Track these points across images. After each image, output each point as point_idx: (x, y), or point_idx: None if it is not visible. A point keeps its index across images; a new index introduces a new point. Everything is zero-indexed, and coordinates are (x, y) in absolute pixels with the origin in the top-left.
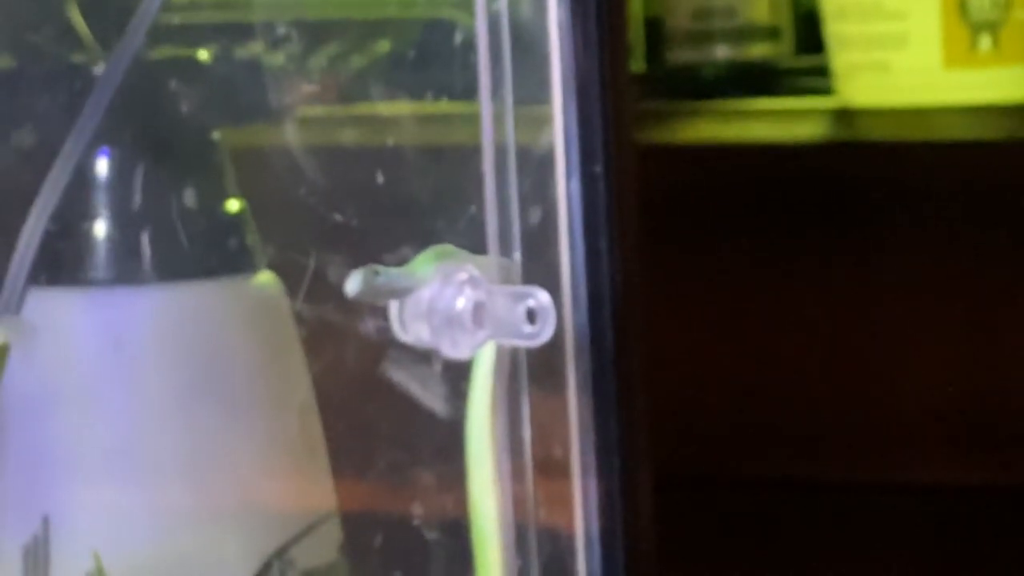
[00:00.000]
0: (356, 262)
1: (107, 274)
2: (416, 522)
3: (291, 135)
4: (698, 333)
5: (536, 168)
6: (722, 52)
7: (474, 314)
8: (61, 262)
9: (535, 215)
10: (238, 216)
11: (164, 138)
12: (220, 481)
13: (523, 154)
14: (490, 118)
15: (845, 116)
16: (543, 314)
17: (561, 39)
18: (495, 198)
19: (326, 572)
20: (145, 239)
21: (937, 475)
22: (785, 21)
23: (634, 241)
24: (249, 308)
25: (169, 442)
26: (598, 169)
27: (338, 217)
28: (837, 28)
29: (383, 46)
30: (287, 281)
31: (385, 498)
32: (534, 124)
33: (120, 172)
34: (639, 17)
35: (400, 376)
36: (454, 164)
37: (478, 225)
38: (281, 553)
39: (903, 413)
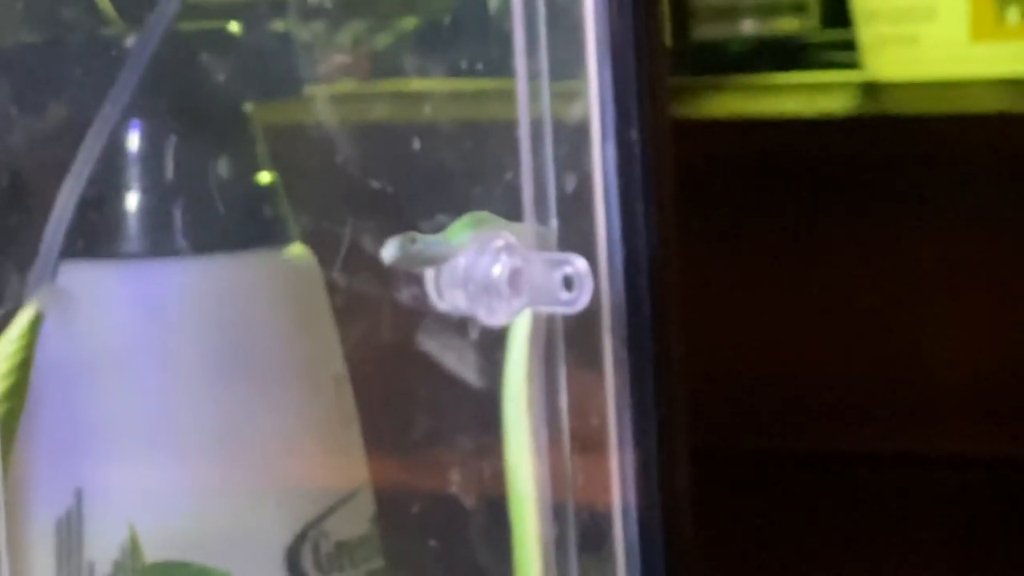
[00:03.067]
0: (392, 231)
1: (140, 246)
2: (452, 492)
3: (324, 108)
4: (728, 307)
5: (572, 135)
6: (748, 26)
7: (510, 281)
8: (95, 234)
9: (571, 182)
10: (270, 188)
11: (196, 110)
12: (253, 454)
13: (558, 121)
14: (525, 86)
15: (872, 90)
16: (580, 281)
17: (596, 7)
18: (531, 165)
19: (360, 543)
20: (178, 211)
21: (972, 447)
22: None
23: (671, 208)
24: (282, 280)
25: (203, 415)
26: (634, 135)
27: (374, 185)
28: (864, 1)
29: (415, 20)
30: (322, 253)
31: (420, 469)
32: (569, 91)
33: (152, 144)
34: None
35: (435, 346)
36: (489, 132)
37: (514, 192)
38: (315, 524)
39: (937, 386)
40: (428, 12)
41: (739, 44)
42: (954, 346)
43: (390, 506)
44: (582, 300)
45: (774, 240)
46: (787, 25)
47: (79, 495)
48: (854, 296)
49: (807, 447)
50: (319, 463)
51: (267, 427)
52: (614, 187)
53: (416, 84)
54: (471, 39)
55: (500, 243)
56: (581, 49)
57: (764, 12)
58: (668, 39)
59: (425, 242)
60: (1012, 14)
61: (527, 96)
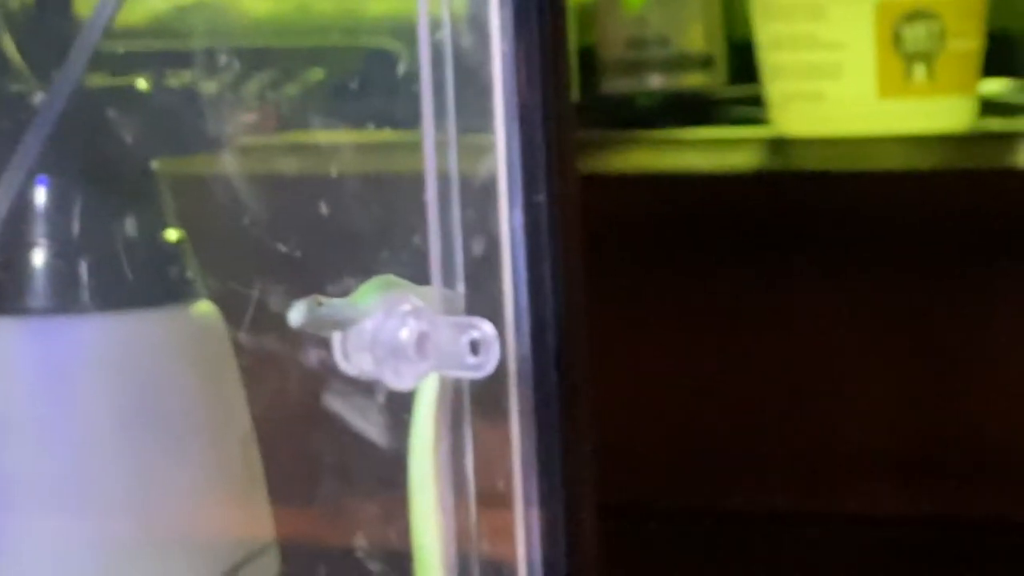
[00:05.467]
0: (298, 292)
1: (46, 303)
2: (358, 553)
3: (232, 164)
4: (636, 365)
5: (479, 199)
6: (656, 81)
7: (418, 345)
8: (0, 291)
9: (478, 246)
10: (177, 245)
11: (104, 167)
12: (161, 510)
13: (466, 185)
14: (433, 148)
15: (780, 145)
16: (487, 345)
17: (504, 69)
18: (438, 228)
19: None
20: (84, 268)
21: (878, 506)
22: (719, 50)
23: (578, 271)
24: (189, 338)
25: (109, 472)
26: (541, 199)
27: (280, 247)
28: (771, 58)
29: (325, 75)
30: (228, 311)
31: (327, 528)
32: (477, 154)
33: (59, 201)
34: (573, 47)
35: (342, 407)
36: (397, 194)
37: (421, 256)
38: None
39: (845, 444)
40: (337, 68)
41: (647, 99)
42: (860, 405)
43: (297, 564)
44: (489, 365)
45: (681, 296)
46: (694, 80)
47: None
48: (761, 353)
49: (715, 505)
50: (226, 521)
51: (174, 485)
52: (521, 251)
53: (324, 138)
54: (380, 96)
55: (407, 307)
56: (489, 111)
57: (672, 67)
58: (577, 93)
59: (332, 306)
60: (919, 72)
61: (434, 160)
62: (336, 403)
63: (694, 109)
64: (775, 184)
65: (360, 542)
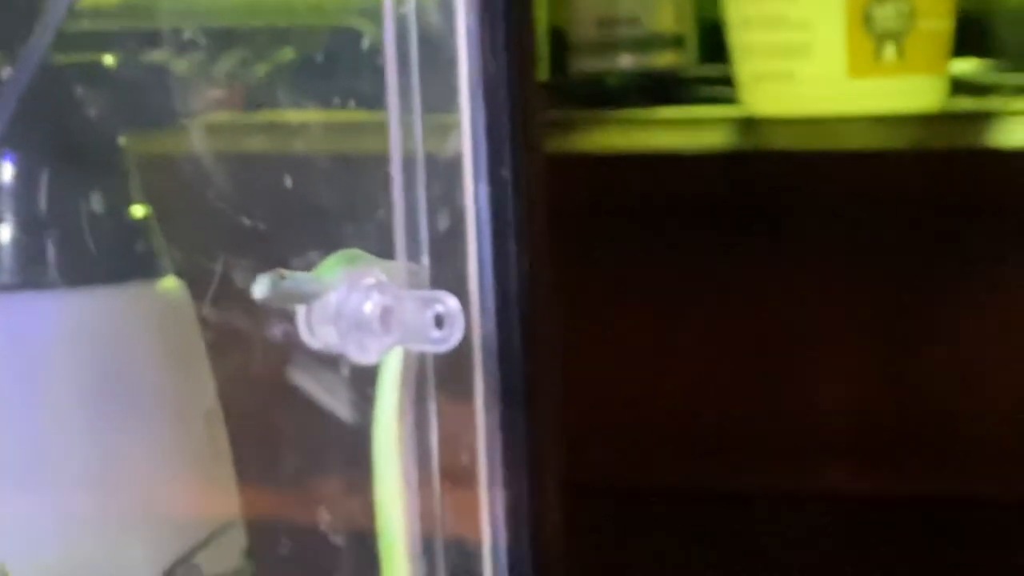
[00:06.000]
0: (263, 267)
1: (12, 279)
2: (322, 528)
3: (198, 141)
4: (605, 344)
5: (444, 173)
6: (626, 61)
7: (382, 319)
8: None
9: (443, 220)
10: (143, 221)
11: (70, 143)
12: (125, 487)
13: (431, 160)
14: (398, 124)
15: (749, 125)
16: (451, 319)
17: (469, 45)
18: (403, 203)
19: None
20: (50, 244)
21: (845, 485)
22: (689, 30)
23: (543, 246)
24: (154, 313)
25: (73, 448)
26: (506, 174)
27: (245, 222)
28: (741, 37)
29: (290, 53)
30: (194, 287)
31: (291, 504)
32: (442, 130)
33: (25, 177)
34: (543, 26)
35: (307, 382)
36: (362, 170)
37: (386, 230)
38: (186, 559)
39: (813, 423)
40: (303, 46)
41: (617, 78)
42: (829, 384)
43: (262, 540)
44: (453, 339)
45: (651, 275)
46: (665, 60)
47: None
48: (730, 332)
49: (682, 485)
50: (190, 496)
51: (138, 460)
52: (486, 226)
53: (290, 117)
54: (345, 75)
55: (371, 281)
56: (454, 87)
57: (642, 47)
58: (546, 72)
59: (296, 279)
60: (888, 51)
61: (399, 134)
62: (301, 378)
63: (664, 89)
64: (745, 164)
65: (325, 517)
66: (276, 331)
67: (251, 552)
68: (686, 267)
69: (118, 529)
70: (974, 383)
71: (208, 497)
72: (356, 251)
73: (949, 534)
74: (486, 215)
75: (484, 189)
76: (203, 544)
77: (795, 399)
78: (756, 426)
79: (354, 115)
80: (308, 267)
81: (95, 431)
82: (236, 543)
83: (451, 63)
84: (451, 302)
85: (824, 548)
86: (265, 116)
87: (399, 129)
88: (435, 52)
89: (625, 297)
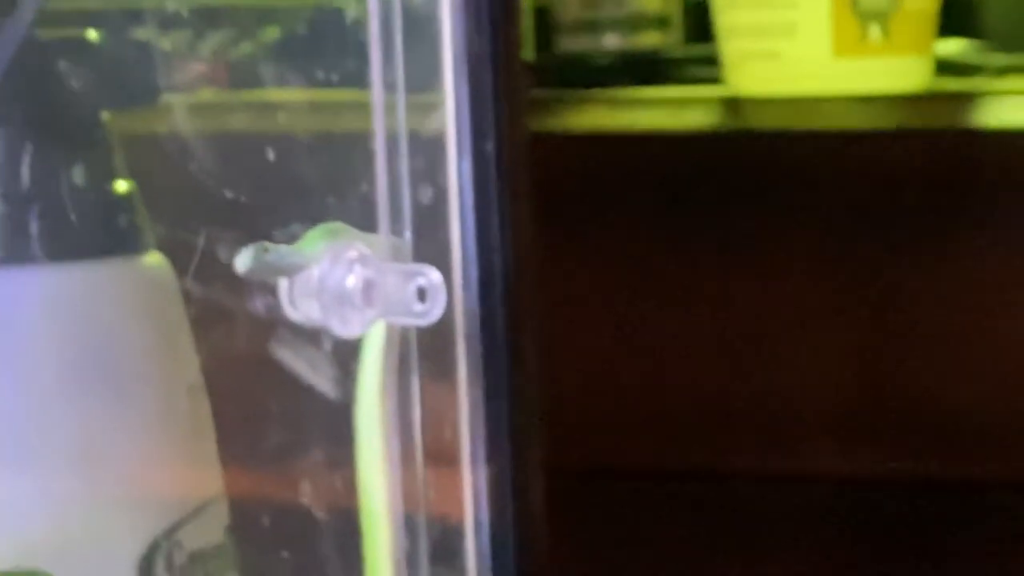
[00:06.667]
0: (246, 241)
1: None
2: (305, 504)
3: (182, 117)
4: (590, 323)
5: (428, 147)
6: (612, 41)
7: (364, 292)
8: None
9: (426, 194)
10: (127, 196)
11: (53, 118)
12: (107, 463)
13: (415, 133)
14: (381, 97)
15: (734, 105)
16: (433, 292)
17: (453, 18)
18: (386, 177)
19: (213, 554)
20: (33, 219)
21: (831, 466)
22: (674, 10)
23: (526, 221)
24: (137, 289)
25: (56, 424)
26: (490, 148)
27: (229, 195)
28: (726, 17)
29: (274, 30)
30: (177, 260)
31: (274, 480)
32: (426, 104)
33: (7, 152)
34: (529, 5)
35: (289, 357)
36: (346, 144)
37: (369, 204)
38: (169, 535)
39: (794, 403)
40: (286, 23)
41: (602, 58)
42: (814, 363)
43: (244, 517)
44: (435, 312)
45: (636, 254)
46: (650, 40)
47: None
48: (715, 312)
49: (663, 464)
50: (173, 473)
51: (121, 436)
52: (469, 200)
53: (274, 95)
54: (329, 51)
55: (354, 254)
56: (438, 62)
57: (627, 27)
58: (531, 52)
59: (278, 252)
60: (874, 31)
61: (382, 107)
62: (284, 354)
63: (650, 68)
64: (730, 143)
65: (308, 493)
66: (259, 306)
67: (233, 528)
68: (671, 247)
69: (100, 505)
70: (958, 363)
71: (191, 473)
72: (339, 224)
73: (932, 513)
74: (469, 189)
75: (467, 163)
76: (186, 520)
77: (779, 379)
78: (739, 406)
79: (338, 90)
80: (291, 241)
81: (77, 407)
82: (219, 520)
83: (435, 36)
84: (434, 275)
85: (807, 527)
86: (248, 92)
87: (382, 100)
88: (419, 24)
89: (608, 277)
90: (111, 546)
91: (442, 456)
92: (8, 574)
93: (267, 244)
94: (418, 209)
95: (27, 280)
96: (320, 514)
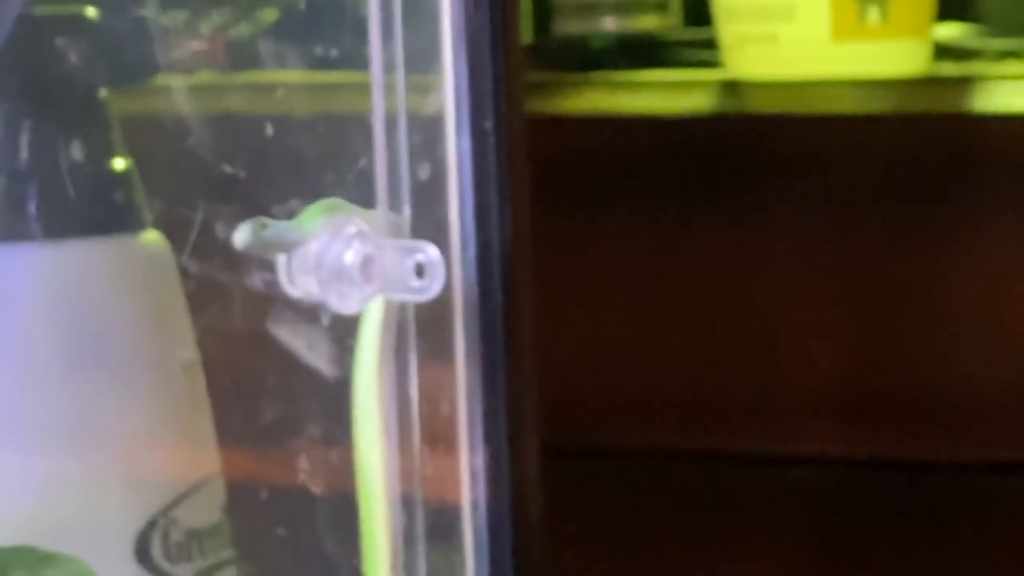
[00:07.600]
0: (244, 216)
1: None
2: (302, 482)
3: (180, 96)
4: (587, 304)
5: (427, 124)
6: (609, 23)
7: (362, 268)
8: None
9: (425, 171)
10: (124, 174)
11: (51, 95)
12: (103, 441)
13: (414, 110)
14: (380, 73)
15: (732, 88)
16: (432, 268)
17: None
18: (384, 153)
19: (210, 532)
20: (30, 196)
21: (824, 447)
22: None
23: (524, 198)
24: (135, 266)
25: (52, 401)
26: (488, 126)
27: (228, 171)
28: (724, 0)
29: (273, 7)
30: (175, 239)
31: (271, 458)
32: (425, 82)
33: (5, 129)
34: None
35: (287, 334)
36: (345, 121)
37: (368, 180)
38: (165, 513)
39: (790, 385)
40: (286, 2)
41: (600, 41)
42: (809, 347)
43: (241, 495)
44: (434, 288)
45: (633, 237)
46: (648, 22)
47: None
48: (712, 294)
49: (660, 446)
50: (170, 451)
51: (117, 414)
52: (468, 177)
53: (272, 74)
54: (328, 30)
55: (352, 230)
56: (437, 41)
57: (625, 9)
58: (529, 35)
59: (277, 228)
60: (873, 14)
61: (382, 84)
62: (282, 330)
63: (647, 51)
64: (728, 127)
65: (305, 470)
66: (257, 283)
67: (230, 505)
68: (668, 229)
69: (96, 483)
70: (954, 346)
71: (187, 452)
72: (337, 200)
73: (926, 495)
74: (467, 166)
75: (466, 141)
76: (182, 498)
77: (775, 361)
78: (735, 387)
79: (338, 72)
80: (289, 216)
81: (74, 384)
82: (216, 498)
83: (434, 18)
84: (432, 251)
85: (803, 509)
86: (247, 70)
87: (381, 76)
88: (418, 8)
89: (605, 259)
90: (108, 524)
91: (439, 433)
92: (5, 550)
93: (265, 220)
94: (417, 186)
95: (24, 257)
96: (317, 492)
